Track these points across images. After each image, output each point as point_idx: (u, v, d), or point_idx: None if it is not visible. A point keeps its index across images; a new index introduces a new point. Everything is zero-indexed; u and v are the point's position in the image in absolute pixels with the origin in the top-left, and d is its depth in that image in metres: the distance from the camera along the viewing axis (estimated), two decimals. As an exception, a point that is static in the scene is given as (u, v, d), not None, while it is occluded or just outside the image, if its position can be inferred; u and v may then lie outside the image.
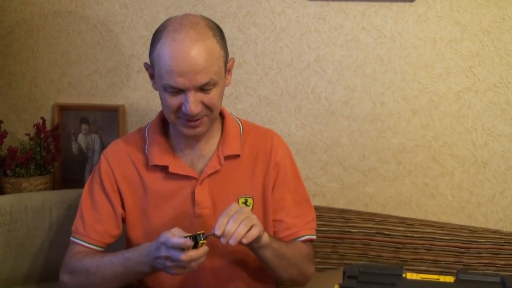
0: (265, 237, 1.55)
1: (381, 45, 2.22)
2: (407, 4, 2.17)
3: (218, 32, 1.59)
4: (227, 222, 1.45)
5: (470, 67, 2.16)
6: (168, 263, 1.45)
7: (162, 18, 2.35)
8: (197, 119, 1.58)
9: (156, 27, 2.33)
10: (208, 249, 1.45)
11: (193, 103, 1.53)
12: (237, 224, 1.44)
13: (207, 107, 1.57)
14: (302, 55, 2.28)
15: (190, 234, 1.43)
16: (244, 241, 1.45)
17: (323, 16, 2.25)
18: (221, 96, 1.61)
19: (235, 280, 1.72)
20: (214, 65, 1.54)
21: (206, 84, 1.53)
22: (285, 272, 1.68)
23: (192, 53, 1.50)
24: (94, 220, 1.72)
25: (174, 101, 1.56)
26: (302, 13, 2.26)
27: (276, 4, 2.27)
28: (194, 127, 1.60)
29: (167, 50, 1.52)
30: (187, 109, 1.54)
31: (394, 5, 2.18)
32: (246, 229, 1.45)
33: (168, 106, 1.58)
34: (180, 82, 1.51)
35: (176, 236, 1.43)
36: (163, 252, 1.44)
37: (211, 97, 1.56)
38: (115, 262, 1.60)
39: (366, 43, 2.23)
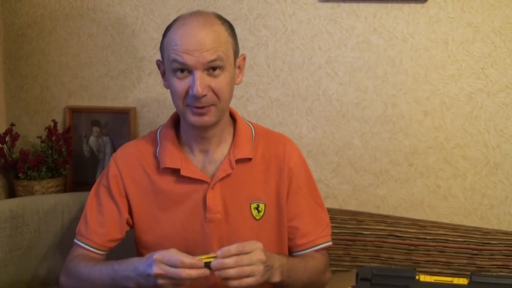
0: (276, 277, 1.53)
1: (392, 46, 2.21)
2: (418, 5, 2.16)
3: (228, 24, 1.62)
4: (232, 254, 1.43)
5: (482, 68, 2.16)
6: (160, 281, 1.43)
7: (173, 20, 2.37)
8: (204, 107, 1.57)
9: (167, 29, 2.37)
10: (209, 273, 1.42)
11: (200, 85, 1.53)
12: (235, 265, 1.42)
13: (215, 93, 1.57)
14: (313, 57, 2.28)
15: (204, 257, 1.43)
16: (234, 284, 1.43)
17: (334, 18, 2.24)
18: (229, 85, 1.60)
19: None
20: (221, 46, 1.55)
21: (213, 61, 1.53)
22: None
23: (200, 34, 1.54)
24: (97, 223, 1.72)
25: (182, 85, 1.56)
26: (313, 15, 2.26)
27: (287, 6, 2.27)
28: (202, 114, 1.58)
29: (176, 33, 1.56)
30: (193, 91, 1.53)
31: (406, 6, 2.17)
32: (240, 274, 1.42)
33: (176, 92, 1.58)
34: (187, 58, 1.52)
35: (176, 255, 1.42)
36: (157, 270, 1.42)
37: (218, 82, 1.56)
38: (104, 272, 1.59)
39: (377, 45, 2.22)
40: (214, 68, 1.55)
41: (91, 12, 2.45)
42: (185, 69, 1.55)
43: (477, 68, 2.16)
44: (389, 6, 2.19)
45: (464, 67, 2.17)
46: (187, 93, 1.56)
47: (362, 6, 2.21)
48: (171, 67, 1.57)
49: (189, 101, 1.57)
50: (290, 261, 1.62)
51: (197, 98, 1.55)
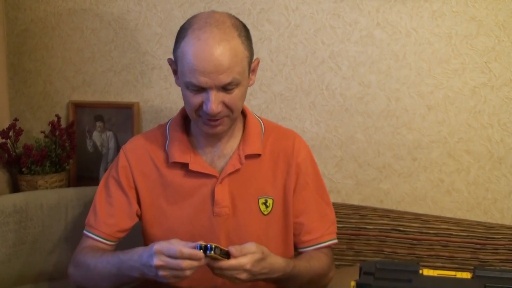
0: (277, 274, 1.55)
1: (396, 41, 2.21)
2: (422, 0, 2.16)
3: (244, 32, 1.57)
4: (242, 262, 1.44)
5: (485, 62, 2.15)
6: (161, 272, 1.42)
7: (176, 15, 2.37)
8: (218, 119, 1.58)
9: (170, 24, 2.37)
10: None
11: (214, 102, 1.52)
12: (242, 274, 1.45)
13: (228, 107, 1.56)
14: (316, 52, 2.28)
15: (201, 243, 1.40)
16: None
17: (338, 12, 2.24)
18: (243, 96, 1.60)
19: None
20: (237, 65, 1.52)
21: (229, 83, 1.52)
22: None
23: (216, 53, 1.49)
24: (107, 214, 1.72)
25: (196, 99, 1.55)
26: (316, 9, 2.25)
27: (290, 1, 2.27)
28: (215, 126, 1.59)
29: (191, 49, 1.51)
30: (207, 108, 1.53)
31: (409, 0, 2.17)
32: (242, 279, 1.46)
33: (190, 104, 1.58)
34: (203, 81, 1.50)
35: (176, 245, 1.41)
36: (157, 261, 1.41)
37: (232, 97, 1.55)
38: (111, 262, 1.59)
39: (381, 39, 2.22)
40: (229, 87, 1.54)
41: (94, 7, 2.45)
42: (200, 87, 1.54)
43: (481, 62, 2.15)
44: (392, 0, 2.18)
45: (467, 61, 2.16)
46: (200, 105, 1.56)
47: (366, 0, 2.20)
48: (185, 83, 1.55)
49: (202, 114, 1.58)
50: (295, 270, 1.62)
51: (211, 115, 1.55)
